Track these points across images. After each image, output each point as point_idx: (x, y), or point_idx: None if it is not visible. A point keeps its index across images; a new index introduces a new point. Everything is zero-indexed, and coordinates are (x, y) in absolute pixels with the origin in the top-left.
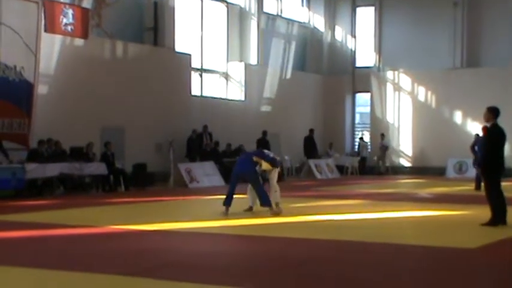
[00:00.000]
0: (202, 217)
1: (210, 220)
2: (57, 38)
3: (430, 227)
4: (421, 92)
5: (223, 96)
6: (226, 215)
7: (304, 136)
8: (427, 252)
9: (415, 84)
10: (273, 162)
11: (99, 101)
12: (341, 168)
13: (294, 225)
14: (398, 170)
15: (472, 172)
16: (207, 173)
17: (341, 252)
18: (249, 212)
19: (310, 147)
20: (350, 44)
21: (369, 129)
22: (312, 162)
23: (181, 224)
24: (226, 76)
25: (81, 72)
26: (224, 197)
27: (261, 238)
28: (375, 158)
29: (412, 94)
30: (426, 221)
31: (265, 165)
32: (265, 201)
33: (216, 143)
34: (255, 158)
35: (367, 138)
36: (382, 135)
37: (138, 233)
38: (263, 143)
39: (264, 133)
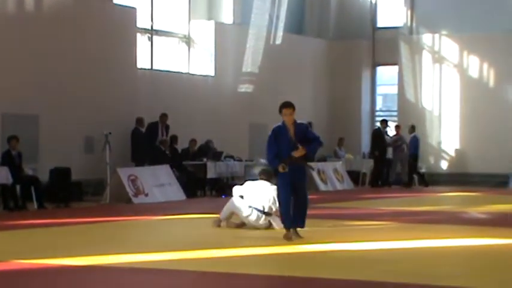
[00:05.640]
0: (155, 247)
1: (166, 251)
2: None
3: (487, 262)
4: (473, 65)
5: (184, 70)
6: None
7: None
8: None
9: (465, 53)
10: None
11: None
12: (355, 176)
13: (288, 257)
14: (439, 179)
15: None
16: (159, 182)
17: None
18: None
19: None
20: None
21: (395, 117)
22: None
23: (125, 256)
24: (187, 40)
25: None
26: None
27: (247, 277)
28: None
29: (460, 67)
30: (481, 253)
31: None
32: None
33: (172, 138)
34: None
35: (391, 130)
36: (397, 126)
37: (61, 270)
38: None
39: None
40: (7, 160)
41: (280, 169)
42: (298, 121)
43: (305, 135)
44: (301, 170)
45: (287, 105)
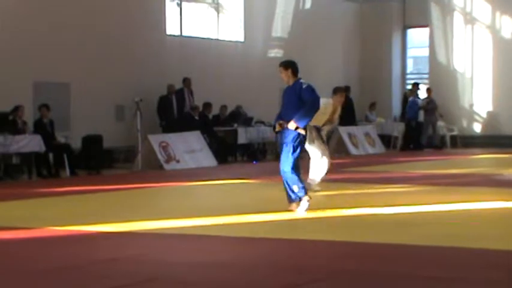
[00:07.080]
0: (187, 212)
1: (198, 217)
2: None
3: None
4: (506, 26)
5: (213, 36)
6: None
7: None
8: None
9: (497, 14)
10: None
11: (31, 43)
12: (387, 139)
13: (321, 222)
14: (471, 141)
15: None
16: (191, 148)
17: (395, 261)
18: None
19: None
20: None
21: (426, 80)
22: (344, 131)
23: (156, 222)
24: (216, 6)
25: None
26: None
27: (277, 242)
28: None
29: (492, 28)
30: None
31: None
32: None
33: (205, 105)
34: None
35: (423, 93)
36: (428, 89)
37: (94, 236)
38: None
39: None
40: (39, 128)
41: (277, 128)
42: (302, 80)
43: (299, 96)
44: (287, 131)
45: (279, 64)
